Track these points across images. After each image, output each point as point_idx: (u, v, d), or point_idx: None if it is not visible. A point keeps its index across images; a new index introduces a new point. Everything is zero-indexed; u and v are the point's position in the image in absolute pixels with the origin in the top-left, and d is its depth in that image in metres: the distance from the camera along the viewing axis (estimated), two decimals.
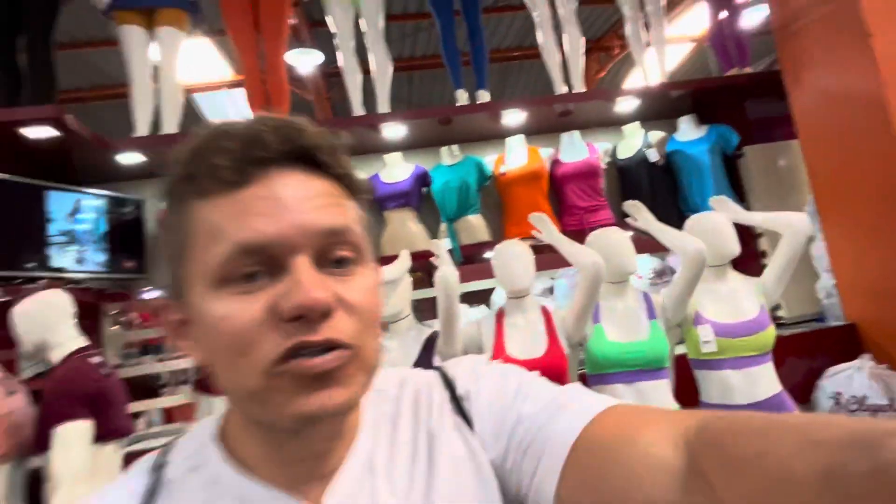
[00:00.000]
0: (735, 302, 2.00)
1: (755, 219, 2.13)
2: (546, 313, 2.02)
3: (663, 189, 3.25)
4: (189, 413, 3.67)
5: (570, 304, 1.94)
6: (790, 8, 2.84)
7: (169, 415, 3.91)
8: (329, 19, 3.18)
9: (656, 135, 3.30)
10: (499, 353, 1.95)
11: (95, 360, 1.86)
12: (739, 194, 3.25)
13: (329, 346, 0.39)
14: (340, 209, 0.43)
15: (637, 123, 3.37)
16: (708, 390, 1.99)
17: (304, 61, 5.74)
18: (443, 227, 3.19)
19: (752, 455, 0.32)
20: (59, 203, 2.64)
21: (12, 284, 2.40)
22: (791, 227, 1.95)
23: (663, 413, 0.43)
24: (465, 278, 3.05)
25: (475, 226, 3.16)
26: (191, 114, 3.19)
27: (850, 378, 2.52)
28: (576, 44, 3.34)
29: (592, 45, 7.14)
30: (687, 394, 2.03)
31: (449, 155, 3.25)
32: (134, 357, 4.90)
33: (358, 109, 3.15)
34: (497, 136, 3.34)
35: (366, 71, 3.19)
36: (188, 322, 0.43)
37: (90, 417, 1.72)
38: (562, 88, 3.31)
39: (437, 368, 0.54)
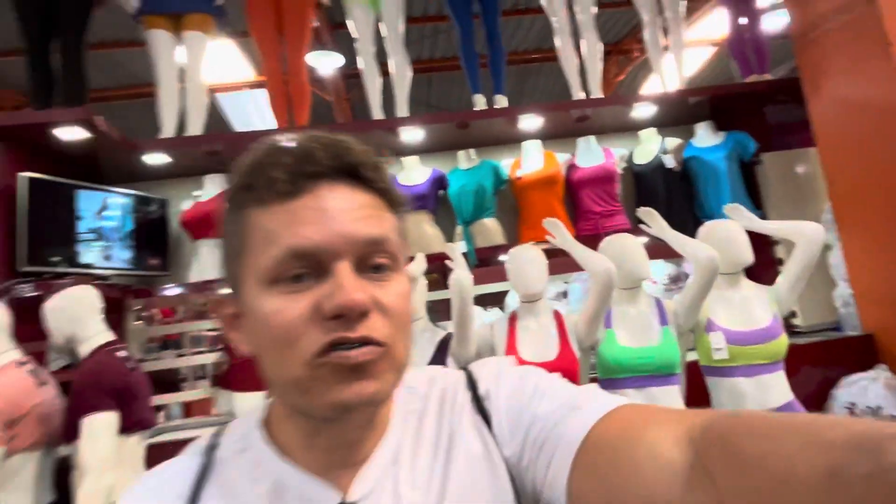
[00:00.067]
0: (747, 310, 2.01)
1: (769, 227, 2.13)
2: (558, 317, 2.05)
3: (679, 195, 3.25)
4: (207, 407, 3.74)
5: (583, 308, 1.97)
6: (810, 15, 2.83)
7: (188, 409, 4.00)
8: (350, 23, 3.24)
9: (673, 141, 3.30)
10: (511, 355, 1.98)
11: (122, 354, 1.94)
12: (756, 201, 3.24)
13: (364, 341, 0.43)
14: (380, 221, 0.47)
15: (654, 129, 3.37)
16: (719, 397, 2.00)
17: (325, 63, 5.83)
18: (458, 229, 3.22)
19: (756, 454, 0.33)
20: (88, 202, 2.73)
21: (42, 279, 2.49)
22: (804, 235, 1.95)
23: (670, 412, 0.44)
24: (479, 281, 3.08)
25: (491, 229, 3.19)
26: (214, 113, 3.27)
27: (865, 388, 2.50)
28: (593, 50, 3.35)
29: (612, 48, 7.12)
30: (698, 400, 2.04)
31: (466, 159, 3.29)
32: (154, 352, 5.03)
33: (377, 113, 3.20)
34: (514, 140, 3.37)
35: (385, 73, 3.24)
36: (241, 315, 0.48)
37: (116, 409, 1.79)
38: (579, 94, 3.33)
39: (465, 369, 0.58)
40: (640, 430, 0.42)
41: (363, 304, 0.43)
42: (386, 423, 0.52)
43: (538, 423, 0.49)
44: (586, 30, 3.33)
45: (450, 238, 3.21)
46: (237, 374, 2.91)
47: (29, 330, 2.18)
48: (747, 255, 2.01)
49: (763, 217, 3.14)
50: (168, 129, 2.94)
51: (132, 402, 1.86)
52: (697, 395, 2.05)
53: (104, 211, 2.81)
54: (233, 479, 0.49)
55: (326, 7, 4.65)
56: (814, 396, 2.56)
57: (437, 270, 2.98)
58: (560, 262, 2.47)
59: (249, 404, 2.86)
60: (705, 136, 3.31)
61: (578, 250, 1.98)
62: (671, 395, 1.92)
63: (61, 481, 1.89)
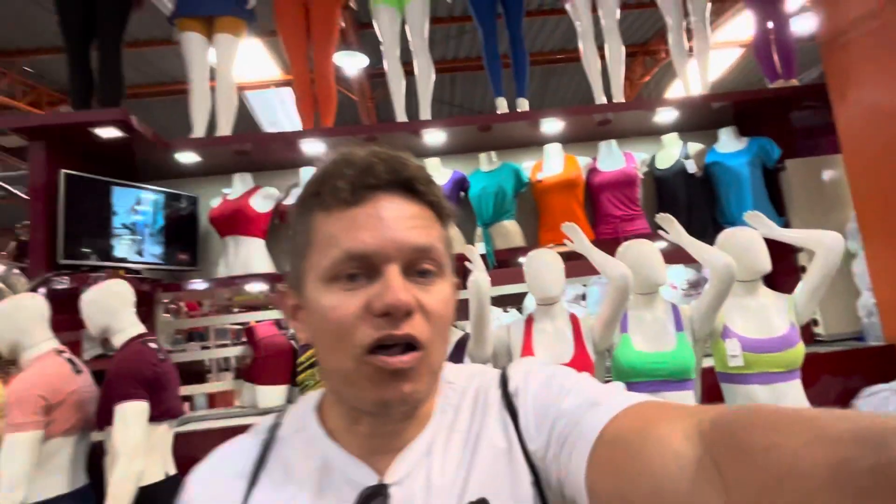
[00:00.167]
0: (764, 318, 2.01)
1: (788, 235, 2.12)
2: (574, 320, 2.08)
3: (700, 200, 3.23)
4: (230, 399, 3.85)
5: (599, 312, 2.00)
6: (838, 21, 2.80)
7: (211, 400, 4.11)
8: (376, 27, 3.30)
9: (695, 146, 3.29)
10: (527, 356, 2.02)
11: (153, 345, 2.02)
12: (779, 208, 3.21)
13: (408, 341, 0.49)
14: (428, 231, 0.53)
15: (676, 134, 3.36)
16: (733, 404, 2.01)
17: (350, 63, 5.92)
18: (478, 231, 3.26)
19: (762, 447, 0.33)
20: (122, 198, 2.84)
21: (79, 272, 2.60)
22: (823, 245, 1.94)
23: (683, 408, 0.45)
24: (499, 282, 3.12)
25: (510, 231, 3.22)
26: (241, 110, 3.36)
27: (886, 400, 2.47)
28: (616, 54, 3.36)
29: (638, 49, 7.08)
30: None
31: (487, 161, 3.32)
32: (180, 343, 5.17)
33: (401, 116, 3.25)
34: (535, 143, 3.40)
35: (409, 72, 3.28)
36: (301, 307, 0.55)
37: (147, 398, 1.88)
38: (601, 98, 3.34)
39: (503, 368, 0.63)
40: (652, 425, 0.44)
41: (408, 305, 0.48)
42: (427, 416, 0.56)
43: (563, 418, 0.51)
44: (610, 35, 3.34)
45: (470, 239, 3.25)
46: (260, 367, 3.00)
47: (65, 320, 2.29)
48: (765, 264, 2.01)
49: (786, 224, 3.12)
50: (199, 130, 3.04)
51: (162, 391, 1.94)
52: (712, 402, 2.04)
53: (137, 207, 2.91)
54: (290, 454, 0.56)
55: (352, 9, 4.72)
56: (833, 406, 2.54)
57: (456, 272, 3.02)
58: (579, 264, 2.50)
59: (271, 397, 2.94)
60: (728, 142, 3.29)
61: (595, 255, 2.01)
62: (685, 401, 1.93)
63: (94, 466, 1.99)
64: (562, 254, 2.19)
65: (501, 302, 4.01)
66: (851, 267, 3.02)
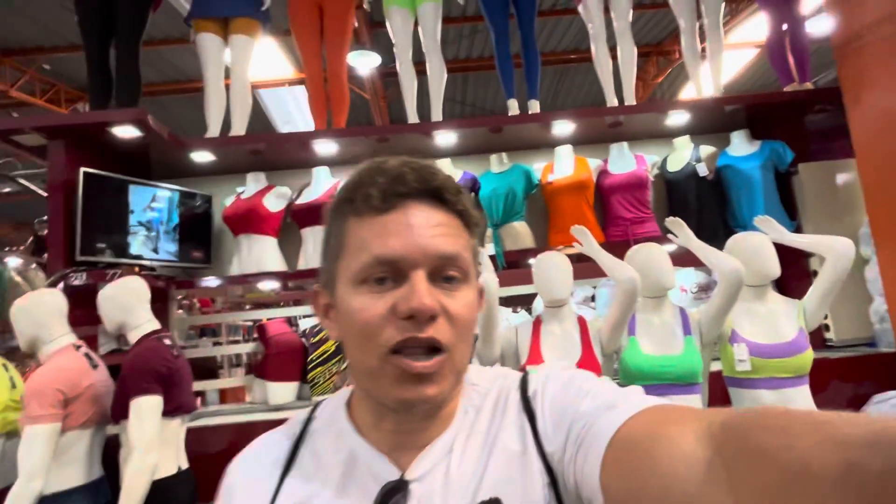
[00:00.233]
0: (773, 323, 2.01)
1: (799, 241, 2.12)
2: (582, 322, 2.09)
3: (711, 204, 3.22)
4: (241, 395, 3.90)
5: (606, 315, 2.01)
6: (852, 25, 2.78)
7: (223, 395, 4.17)
8: (388, 28, 3.32)
9: (706, 149, 3.27)
10: (534, 358, 2.04)
11: (167, 341, 2.06)
12: (791, 212, 3.19)
13: (431, 344, 0.51)
14: (455, 239, 0.55)
15: (687, 137, 3.35)
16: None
17: (363, 63, 5.95)
18: (488, 232, 3.27)
19: (771, 449, 0.33)
20: (139, 196, 2.89)
21: (96, 268, 2.66)
22: (834, 251, 1.94)
23: (694, 411, 0.46)
24: (509, 283, 3.13)
25: (520, 232, 3.23)
26: (255, 108, 3.40)
27: None
28: (628, 56, 3.35)
29: (652, 49, 7.05)
30: None
31: (498, 162, 3.33)
32: (193, 339, 5.24)
33: (413, 117, 3.27)
34: (546, 144, 3.40)
35: (421, 72, 3.30)
36: (332, 307, 0.58)
37: (161, 393, 1.92)
38: (613, 100, 3.34)
39: (524, 371, 0.65)
40: (662, 427, 0.44)
41: (432, 309, 0.51)
42: (450, 416, 0.59)
43: (580, 421, 0.52)
44: (622, 37, 3.33)
45: (479, 241, 3.25)
46: (271, 364, 3.04)
47: (82, 315, 2.34)
48: (774, 269, 2.01)
49: (797, 228, 3.10)
50: (214, 129, 3.09)
51: (175, 387, 1.98)
52: (720, 406, 2.06)
53: (153, 205, 2.96)
54: (320, 447, 0.59)
55: (364, 9, 4.75)
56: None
57: None
58: (588, 266, 2.50)
59: (281, 394, 2.98)
60: (740, 145, 3.27)
61: (604, 258, 2.02)
62: (692, 405, 1.93)
63: (109, 459, 2.03)
64: (571, 256, 2.21)
65: (511, 302, 4.02)
66: (864, 272, 2.99)
